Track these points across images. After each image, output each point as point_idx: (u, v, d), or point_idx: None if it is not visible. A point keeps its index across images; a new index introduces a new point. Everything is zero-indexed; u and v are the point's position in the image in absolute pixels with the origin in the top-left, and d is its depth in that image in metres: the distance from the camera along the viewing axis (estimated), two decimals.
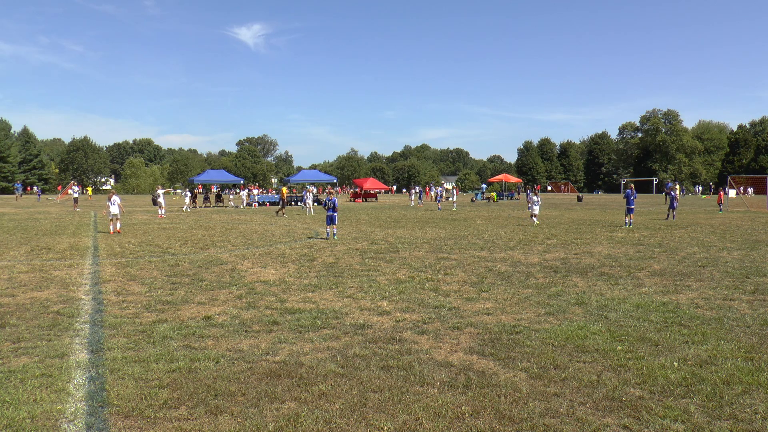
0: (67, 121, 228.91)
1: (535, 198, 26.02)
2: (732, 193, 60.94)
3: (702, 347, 6.71)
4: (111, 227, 21.71)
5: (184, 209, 40.52)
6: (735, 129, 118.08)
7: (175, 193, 77.94)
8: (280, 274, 12.17)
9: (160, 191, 35.67)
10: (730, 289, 10.28)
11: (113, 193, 22.44)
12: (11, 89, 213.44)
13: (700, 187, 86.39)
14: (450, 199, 69.13)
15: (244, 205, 46.60)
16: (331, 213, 19.67)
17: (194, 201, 47.97)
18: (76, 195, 44.12)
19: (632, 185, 27.06)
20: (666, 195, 55.86)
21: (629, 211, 24.53)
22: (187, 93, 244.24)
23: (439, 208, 42.55)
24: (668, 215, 29.47)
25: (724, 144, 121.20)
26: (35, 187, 74.14)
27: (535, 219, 25.73)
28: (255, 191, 53.58)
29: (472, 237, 20.09)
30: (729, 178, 59.60)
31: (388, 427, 4.64)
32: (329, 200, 19.92)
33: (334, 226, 19.87)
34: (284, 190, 38.86)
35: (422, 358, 6.39)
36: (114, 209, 21.47)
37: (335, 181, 62.82)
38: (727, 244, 17.58)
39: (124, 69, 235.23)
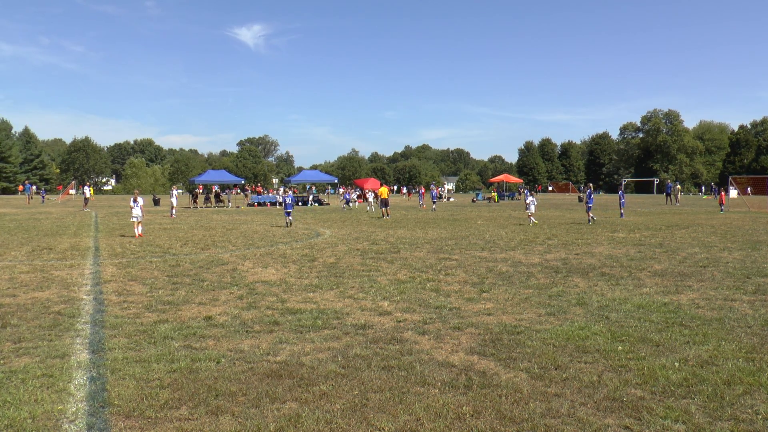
0: (68, 121, 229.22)
1: (531, 198, 27.18)
2: (733, 193, 60.86)
3: (703, 348, 6.70)
4: (135, 230, 20.19)
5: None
6: (736, 129, 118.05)
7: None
8: (281, 275, 12.17)
9: (175, 191, 36.58)
10: (732, 290, 10.27)
11: (137, 194, 21.15)
12: (12, 90, 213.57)
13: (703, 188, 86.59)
14: (451, 199, 69.21)
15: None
16: (290, 209, 25.74)
17: (195, 201, 48.14)
18: (87, 195, 44.82)
19: (591, 185, 30.74)
20: (667, 195, 56.01)
21: (589, 209, 27.53)
22: (187, 93, 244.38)
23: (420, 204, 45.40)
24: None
25: (725, 144, 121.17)
26: (34, 186, 74.15)
27: (532, 218, 26.40)
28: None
29: (473, 237, 20.09)
30: (730, 178, 59.56)
31: (389, 428, 4.64)
32: (287, 196, 26.37)
33: (291, 217, 25.92)
34: (385, 189, 34.89)
35: (423, 359, 6.38)
36: (137, 211, 20.17)
37: (336, 181, 62.85)
38: (728, 244, 17.56)
39: (124, 69, 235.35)
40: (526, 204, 26.94)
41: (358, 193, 56.75)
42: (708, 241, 18.34)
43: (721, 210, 37.08)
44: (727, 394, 5.29)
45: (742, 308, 8.81)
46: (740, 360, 6.24)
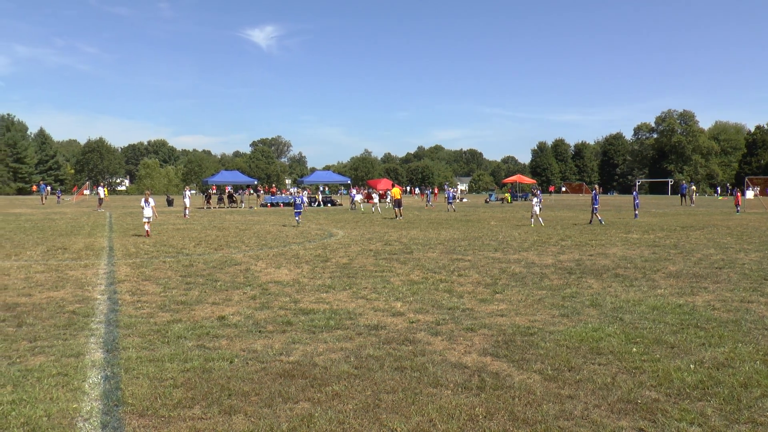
0: (83, 122, 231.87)
1: (536, 199, 27.23)
2: (750, 193, 60.21)
3: (719, 350, 6.63)
4: (147, 228, 20.62)
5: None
6: (752, 130, 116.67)
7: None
8: (293, 275, 12.19)
9: (188, 192, 36.89)
10: (748, 291, 10.14)
11: (148, 194, 21.43)
12: (28, 91, 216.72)
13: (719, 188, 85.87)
14: (464, 200, 69.01)
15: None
16: (299, 209, 26.98)
17: (208, 201, 48.43)
18: (102, 196, 45.40)
19: (596, 187, 30.09)
20: (682, 196, 55.49)
21: (595, 210, 26.89)
22: (200, 94, 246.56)
23: (429, 205, 48.51)
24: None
25: (741, 145, 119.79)
26: (48, 187, 74.84)
27: (532, 220, 26.37)
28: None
29: (486, 238, 20.02)
30: (746, 179, 58.92)
31: (401, 428, 4.62)
32: (298, 197, 27.92)
33: (300, 217, 27.22)
34: (397, 190, 34.92)
35: (436, 360, 6.36)
36: (148, 211, 20.60)
37: (349, 182, 62.88)
38: (744, 245, 17.35)
39: (138, 70, 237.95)
40: (533, 205, 26.99)
41: (361, 196, 56.81)
42: (724, 243, 18.14)
43: (737, 211, 36.69)
44: (744, 396, 5.22)
45: (759, 310, 8.70)
46: (757, 362, 6.16)
